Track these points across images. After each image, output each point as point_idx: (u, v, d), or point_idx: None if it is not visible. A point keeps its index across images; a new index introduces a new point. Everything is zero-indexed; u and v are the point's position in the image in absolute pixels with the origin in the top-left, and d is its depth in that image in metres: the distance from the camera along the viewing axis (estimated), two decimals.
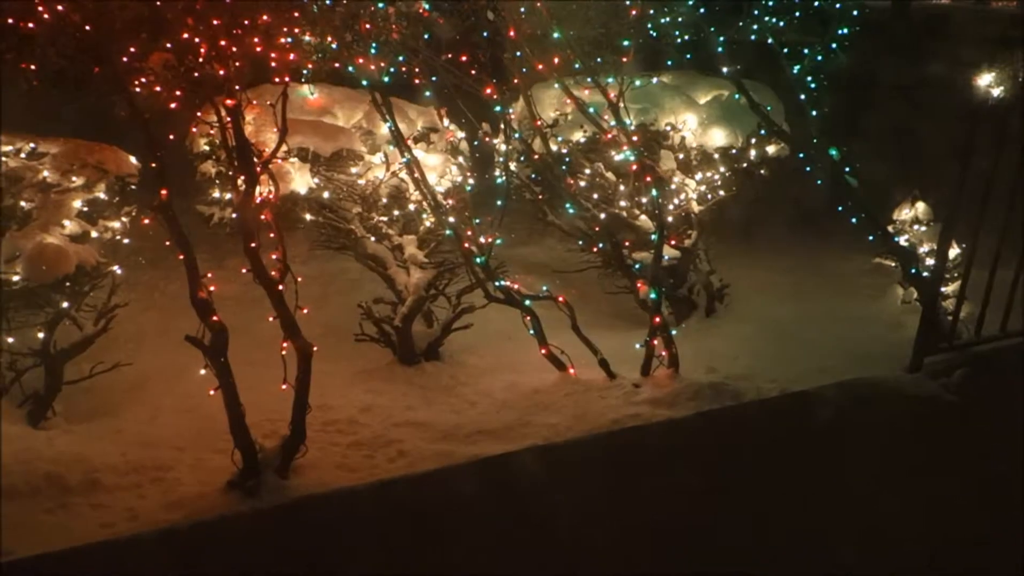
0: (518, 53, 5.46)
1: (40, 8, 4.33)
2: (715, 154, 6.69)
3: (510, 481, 4.13)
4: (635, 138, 5.59)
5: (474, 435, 4.74)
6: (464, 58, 5.39)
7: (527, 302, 5.39)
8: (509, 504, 3.87)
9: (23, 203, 4.71)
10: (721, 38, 5.74)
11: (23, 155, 4.83)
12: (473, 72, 5.41)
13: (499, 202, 5.49)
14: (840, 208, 6.08)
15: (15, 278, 4.45)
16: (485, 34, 5.46)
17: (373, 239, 5.77)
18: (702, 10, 5.78)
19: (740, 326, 6.38)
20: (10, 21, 4.41)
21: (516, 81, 5.58)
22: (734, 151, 6.70)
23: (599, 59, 5.59)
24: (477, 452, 4.52)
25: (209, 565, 3.43)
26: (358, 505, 3.89)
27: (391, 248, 5.81)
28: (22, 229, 4.60)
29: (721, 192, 6.74)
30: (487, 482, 4.13)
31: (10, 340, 4.72)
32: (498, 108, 5.47)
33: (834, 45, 6.47)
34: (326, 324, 5.65)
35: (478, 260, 5.31)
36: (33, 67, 4.55)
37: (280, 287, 4.28)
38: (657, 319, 5.25)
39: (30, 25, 4.40)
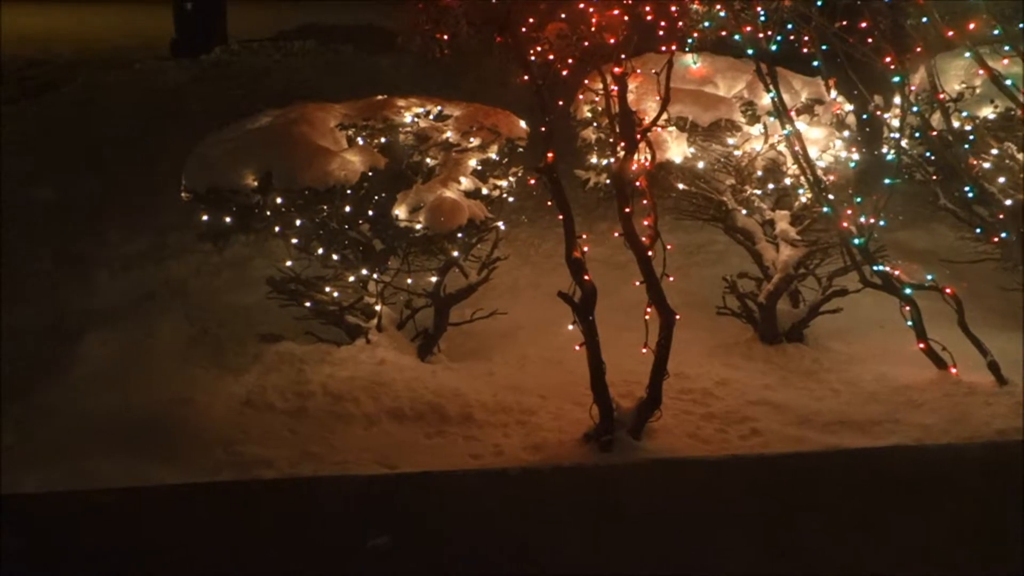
0: (924, 19, 5.00)
1: None
2: None
3: (871, 478, 3.88)
4: None
5: (834, 424, 4.51)
6: (862, 25, 5.04)
7: (908, 290, 4.98)
8: (864, 502, 3.64)
9: (428, 160, 5.24)
10: None
11: (431, 117, 5.36)
12: (870, 40, 5.05)
13: (886, 180, 5.10)
14: None
15: (417, 226, 4.97)
16: None
17: (744, 212, 5.65)
18: None
19: None
20: None
21: (919, 50, 5.12)
22: None
23: None
24: (836, 442, 4.30)
25: (564, 508, 3.62)
26: (709, 477, 3.88)
27: (761, 223, 5.66)
28: (426, 183, 5.12)
29: None
30: (845, 475, 3.92)
31: (409, 281, 5.31)
32: (896, 79, 5.06)
33: None
34: (687, 294, 5.66)
35: (856, 241, 4.99)
36: (446, 37, 5.06)
37: (649, 253, 4.37)
38: None
39: None
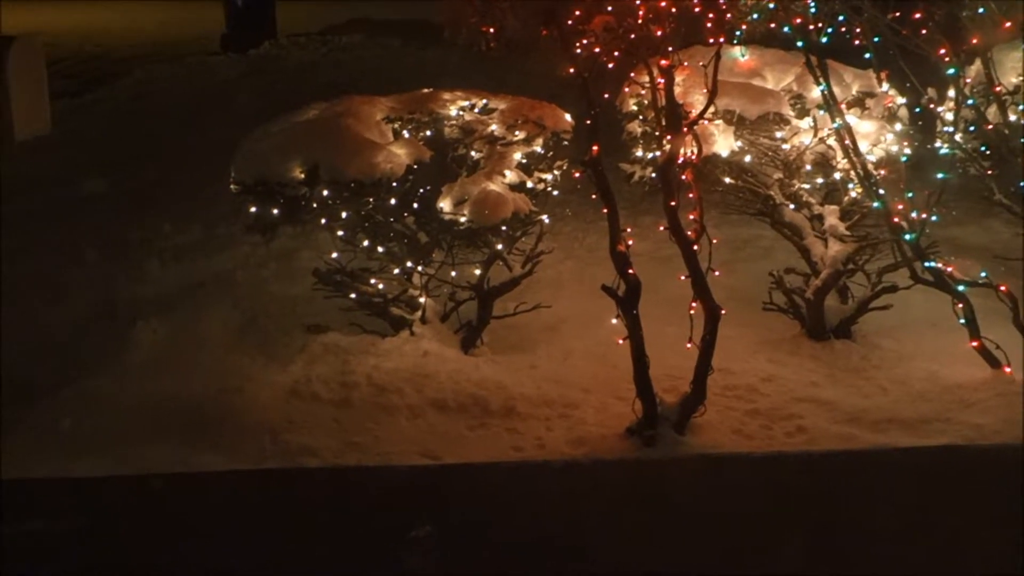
0: (980, 10, 4.89)
1: None
2: None
3: (920, 477, 3.83)
4: None
5: (882, 423, 4.43)
6: (916, 16, 4.94)
7: (961, 287, 4.87)
8: (912, 501, 3.59)
9: (473, 153, 5.24)
10: None
11: (477, 110, 5.36)
12: (924, 32, 4.94)
13: (939, 175, 5.00)
14: None
15: (462, 219, 4.98)
16: None
17: (792, 207, 5.57)
18: None
19: None
20: None
21: (974, 41, 5.00)
22: None
23: None
24: (885, 441, 4.23)
25: (606, 502, 3.62)
26: (753, 473, 3.85)
27: (810, 217, 5.57)
28: (471, 176, 5.13)
29: None
30: (894, 473, 3.86)
31: (452, 274, 5.33)
32: (951, 71, 4.95)
33: None
34: (732, 289, 5.60)
35: (907, 237, 4.90)
36: (493, 30, 5.05)
37: (695, 247, 4.33)
38: None
39: None
